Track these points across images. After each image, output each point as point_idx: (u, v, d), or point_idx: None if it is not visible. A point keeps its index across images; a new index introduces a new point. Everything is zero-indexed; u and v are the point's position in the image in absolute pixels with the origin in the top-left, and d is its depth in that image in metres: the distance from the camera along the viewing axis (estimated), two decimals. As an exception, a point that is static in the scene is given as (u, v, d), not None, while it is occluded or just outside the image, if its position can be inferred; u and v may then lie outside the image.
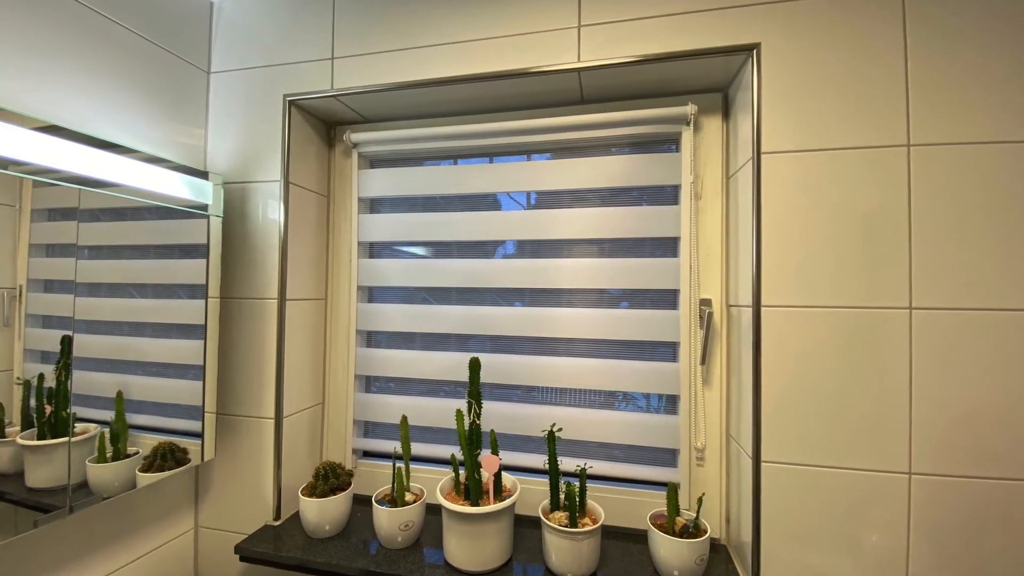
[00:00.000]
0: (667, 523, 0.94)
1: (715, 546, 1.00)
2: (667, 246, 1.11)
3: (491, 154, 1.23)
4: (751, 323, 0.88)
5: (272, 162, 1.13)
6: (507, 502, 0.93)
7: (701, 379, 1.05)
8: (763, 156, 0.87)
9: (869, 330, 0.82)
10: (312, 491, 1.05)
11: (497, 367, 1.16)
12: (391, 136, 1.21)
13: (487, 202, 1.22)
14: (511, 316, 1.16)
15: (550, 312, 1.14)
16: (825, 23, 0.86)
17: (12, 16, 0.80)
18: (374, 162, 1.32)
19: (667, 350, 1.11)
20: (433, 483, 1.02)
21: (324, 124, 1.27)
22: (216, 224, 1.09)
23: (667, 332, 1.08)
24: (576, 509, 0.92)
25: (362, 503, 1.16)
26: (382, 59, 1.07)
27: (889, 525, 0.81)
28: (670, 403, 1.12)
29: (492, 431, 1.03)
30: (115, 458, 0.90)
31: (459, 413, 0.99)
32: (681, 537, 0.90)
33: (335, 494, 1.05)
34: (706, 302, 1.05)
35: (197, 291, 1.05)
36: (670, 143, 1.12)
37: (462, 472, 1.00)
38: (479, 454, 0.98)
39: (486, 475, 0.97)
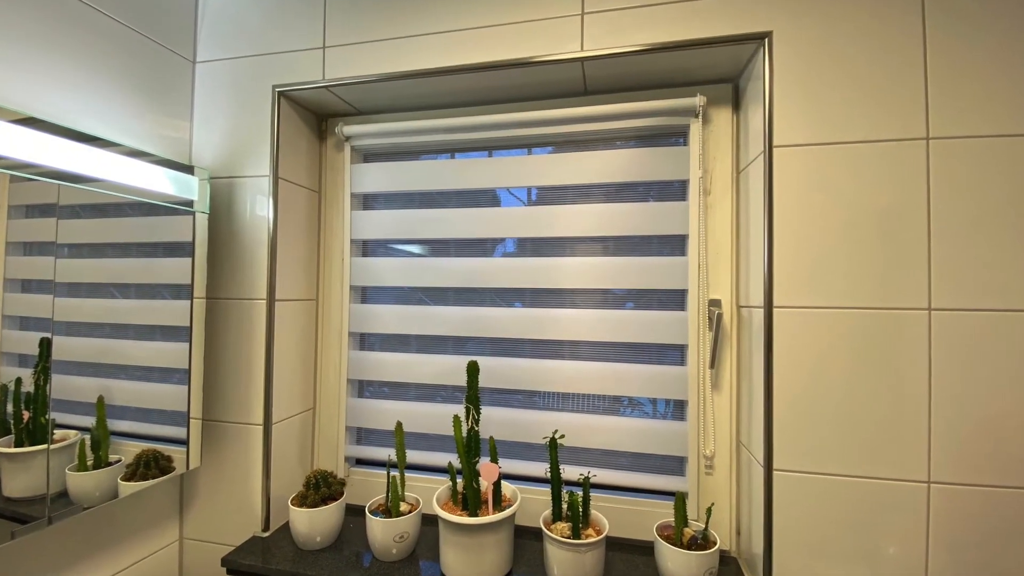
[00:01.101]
0: (674, 534, 0.94)
1: (725, 559, 1.00)
2: (674, 244, 1.11)
3: (490, 148, 1.23)
4: (763, 325, 0.88)
5: (260, 156, 1.13)
6: (507, 512, 0.93)
7: (710, 383, 1.05)
8: (775, 150, 0.87)
9: (886, 332, 0.82)
10: (302, 501, 1.05)
11: (496, 371, 1.16)
12: (385, 129, 1.21)
13: (486, 198, 1.22)
14: (511, 317, 1.16)
15: (552, 313, 1.14)
16: (840, 10, 0.86)
17: (-12, 3, 0.80)
18: (368, 156, 1.32)
19: (674, 353, 1.11)
20: (429, 492, 1.02)
21: (315, 116, 1.27)
22: (202, 221, 1.09)
23: (674, 334, 1.08)
24: (579, 519, 0.92)
25: (355, 513, 1.16)
26: (376, 48, 1.07)
27: (907, 536, 0.81)
28: (678, 409, 1.12)
29: (491, 438, 1.03)
30: (96, 466, 0.90)
31: (456, 419, 0.99)
32: (689, 549, 0.90)
33: (326, 504, 1.05)
34: (715, 303, 1.05)
35: (182, 291, 1.05)
36: (678, 136, 1.12)
37: (460, 481, 1.00)
38: (477, 462, 0.98)
39: (485, 484, 0.97)
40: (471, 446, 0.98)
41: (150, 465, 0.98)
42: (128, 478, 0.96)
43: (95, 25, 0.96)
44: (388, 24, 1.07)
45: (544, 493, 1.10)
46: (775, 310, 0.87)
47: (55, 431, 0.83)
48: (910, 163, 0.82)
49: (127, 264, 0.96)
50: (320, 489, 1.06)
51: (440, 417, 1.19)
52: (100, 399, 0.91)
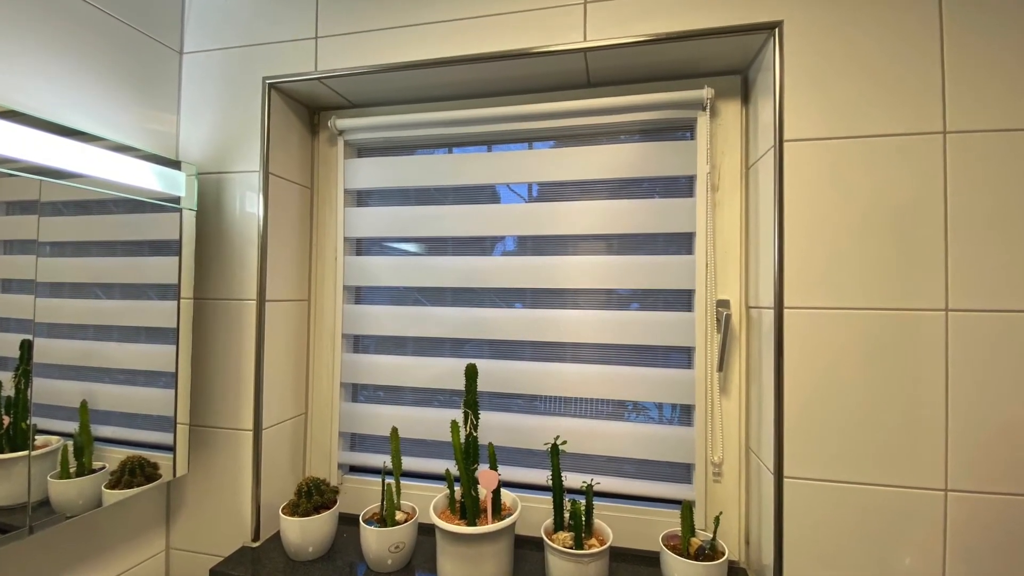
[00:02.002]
0: (681, 544, 0.94)
1: (734, 569, 1.00)
2: (681, 242, 1.11)
3: (489, 142, 1.23)
4: (773, 326, 0.88)
5: (250, 151, 1.13)
6: (507, 521, 0.93)
7: (718, 387, 1.05)
8: (786, 144, 0.87)
9: (901, 334, 0.82)
10: (294, 509, 1.05)
11: (496, 374, 1.16)
12: (380, 122, 1.21)
13: (485, 194, 1.22)
14: (511, 319, 1.16)
15: (554, 314, 1.14)
16: (853, -1, 0.86)
17: (-33, -9, 0.80)
18: (362, 151, 1.32)
19: (681, 356, 1.11)
20: (426, 501, 1.02)
21: (307, 109, 1.27)
22: (189, 218, 1.09)
23: (681, 336, 1.08)
24: (582, 529, 0.92)
25: (349, 522, 1.16)
26: (371, 38, 1.07)
27: (923, 547, 0.81)
28: (684, 413, 1.12)
29: (490, 444, 1.03)
30: (79, 473, 0.90)
31: (454, 424, 0.99)
32: (696, 560, 0.90)
33: (319, 513, 1.05)
34: (724, 303, 1.05)
35: (169, 291, 1.05)
36: (684, 130, 1.12)
37: (458, 489, 1.00)
38: (476, 469, 0.98)
39: (484, 492, 0.97)
40: (469, 452, 0.98)
41: (135, 472, 0.98)
42: (112, 486, 0.95)
43: (78, 14, 0.96)
44: (383, 13, 1.07)
45: (545, 501, 1.10)
46: (786, 311, 0.87)
47: (36, 437, 0.83)
48: (926, 158, 0.82)
49: (111, 263, 0.96)
50: (312, 497, 1.06)
51: (437, 422, 1.19)
52: (83, 404, 0.91)
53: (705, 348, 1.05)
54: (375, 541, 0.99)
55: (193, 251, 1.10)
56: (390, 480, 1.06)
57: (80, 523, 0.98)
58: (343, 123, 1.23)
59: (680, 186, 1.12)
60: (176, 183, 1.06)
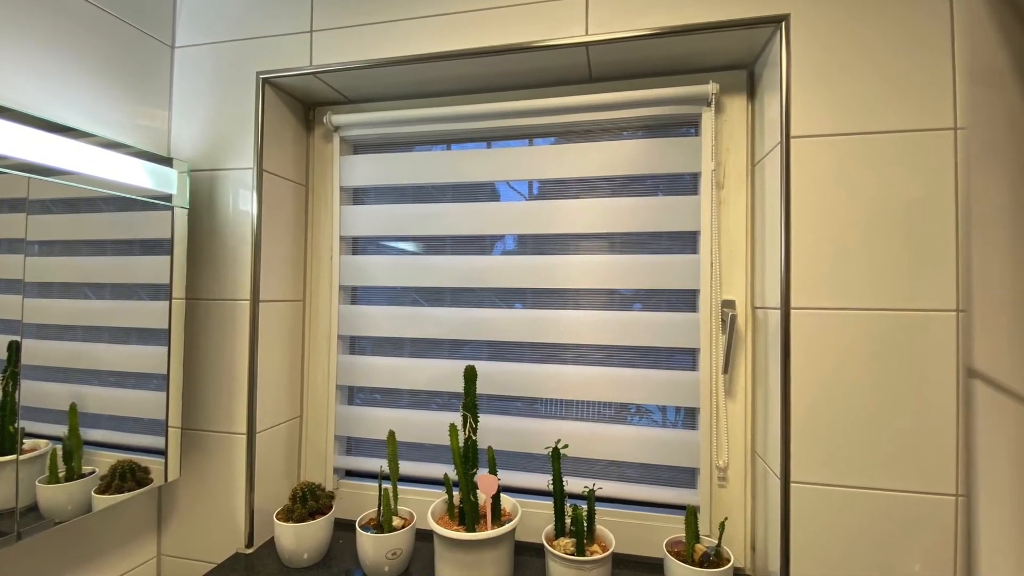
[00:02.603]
0: (685, 551, 0.94)
1: (739, 576, 1.01)
2: (685, 241, 1.11)
3: (489, 138, 1.23)
4: (779, 327, 0.88)
5: (244, 147, 1.13)
6: (506, 527, 0.93)
7: (723, 390, 1.05)
8: (792, 140, 0.87)
9: (911, 335, 0.82)
10: (288, 515, 1.05)
11: (495, 376, 1.16)
12: (377, 118, 1.21)
13: (484, 192, 1.22)
14: (511, 319, 1.16)
15: (555, 315, 1.14)
16: (862, -8, 0.86)
17: (-47, -16, 0.80)
18: (358, 147, 1.32)
19: (685, 357, 1.11)
20: (424, 506, 1.02)
21: (302, 105, 1.27)
22: (181, 216, 1.09)
23: (685, 337, 1.08)
24: (584, 535, 0.92)
25: (344, 528, 1.16)
26: (367, 32, 1.07)
27: (933, 553, 0.81)
28: (689, 417, 1.12)
29: (490, 448, 1.03)
30: (68, 478, 0.90)
31: (453, 428, 0.99)
32: (701, 566, 0.90)
33: (314, 518, 1.05)
34: (729, 304, 1.05)
35: (160, 291, 1.05)
36: (689, 126, 1.12)
37: (456, 494, 1.00)
38: (475, 473, 0.98)
39: (483, 497, 0.97)
40: (468, 456, 0.98)
41: (126, 477, 0.98)
42: (102, 491, 0.95)
43: (68, 8, 0.95)
44: (379, 7, 1.07)
45: (546, 507, 1.10)
46: (792, 311, 0.87)
47: (24, 441, 0.83)
48: (936, 154, 0.82)
49: (102, 263, 0.96)
50: (307, 502, 1.06)
51: (435, 425, 1.19)
52: (73, 406, 0.91)
53: (710, 350, 1.05)
54: (372, 547, 0.99)
55: (185, 250, 1.10)
56: (387, 485, 1.06)
57: (69, 529, 0.98)
58: (339, 119, 1.23)
59: (684, 183, 1.12)
60: (168, 180, 1.06)
